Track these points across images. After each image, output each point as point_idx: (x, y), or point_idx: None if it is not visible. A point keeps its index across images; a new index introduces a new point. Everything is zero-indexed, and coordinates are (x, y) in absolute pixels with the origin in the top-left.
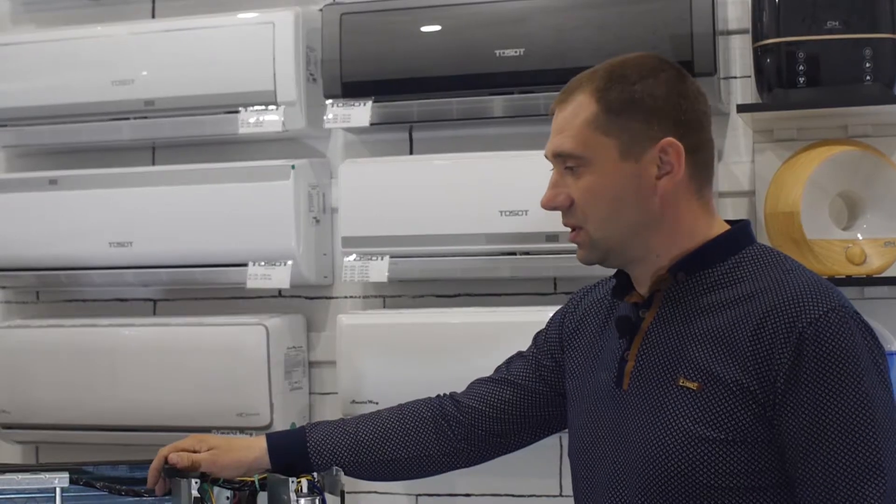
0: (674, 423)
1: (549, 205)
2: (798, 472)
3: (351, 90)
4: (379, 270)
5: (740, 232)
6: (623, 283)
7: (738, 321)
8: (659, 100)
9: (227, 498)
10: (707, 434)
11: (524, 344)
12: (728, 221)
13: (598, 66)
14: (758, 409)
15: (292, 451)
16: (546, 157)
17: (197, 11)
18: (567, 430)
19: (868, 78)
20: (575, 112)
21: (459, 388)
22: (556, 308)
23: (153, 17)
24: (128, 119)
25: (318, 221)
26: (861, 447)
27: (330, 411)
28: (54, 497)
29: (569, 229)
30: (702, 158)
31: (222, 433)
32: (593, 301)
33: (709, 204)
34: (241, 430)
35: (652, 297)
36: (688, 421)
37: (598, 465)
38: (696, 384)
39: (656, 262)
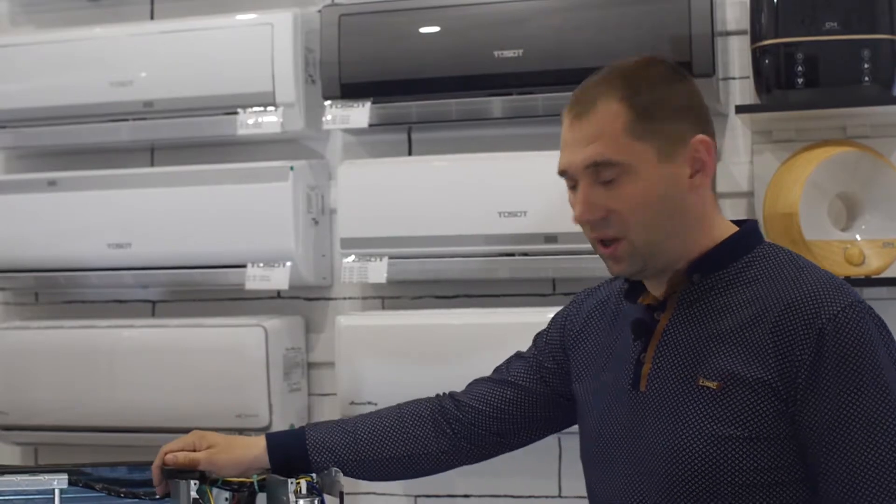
0: (695, 424)
1: (584, 218)
2: (821, 467)
3: (350, 91)
4: (378, 271)
5: (750, 232)
6: (635, 284)
7: (756, 319)
8: (683, 98)
9: (226, 499)
10: (729, 433)
11: (523, 345)
12: (735, 222)
13: (605, 72)
14: (780, 404)
15: (292, 450)
16: (566, 171)
17: (196, 13)
18: (560, 431)
19: (866, 79)
20: (606, 121)
21: (458, 389)
22: (556, 309)
23: (152, 18)
24: (126, 120)
25: (316, 223)
26: (883, 440)
27: (329, 412)
28: (53, 499)
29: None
30: (714, 153)
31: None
32: (597, 302)
33: (716, 200)
34: (241, 431)
35: (666, 298)
36: (709, 421)
37: (614, 467)
38: (715, 383)
39: (678, 265)
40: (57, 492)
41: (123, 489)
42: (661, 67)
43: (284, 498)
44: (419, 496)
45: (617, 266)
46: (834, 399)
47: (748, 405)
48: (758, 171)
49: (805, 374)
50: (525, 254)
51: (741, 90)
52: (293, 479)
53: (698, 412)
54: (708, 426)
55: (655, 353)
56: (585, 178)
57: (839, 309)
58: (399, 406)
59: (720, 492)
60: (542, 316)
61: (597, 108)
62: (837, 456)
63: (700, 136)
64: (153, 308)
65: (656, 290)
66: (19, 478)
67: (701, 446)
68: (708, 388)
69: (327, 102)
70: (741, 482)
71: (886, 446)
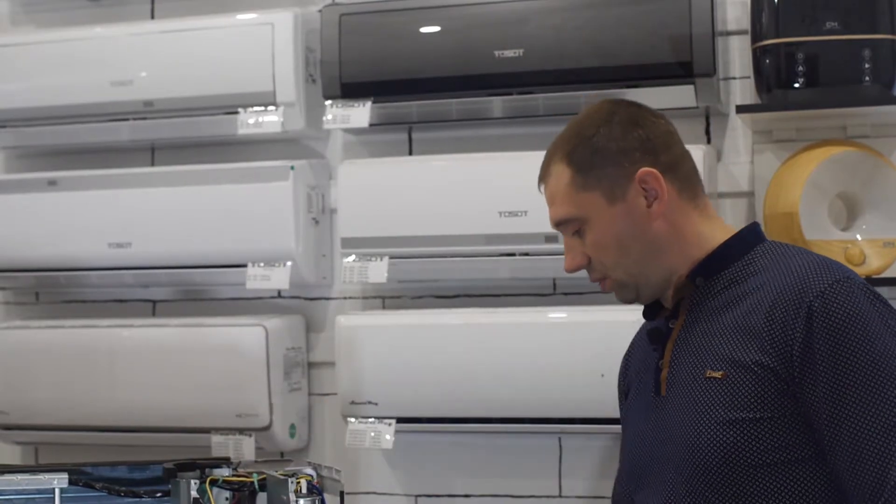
0: (705, 413)
1: (570, 268)
2: (826, 441)
3: (350, 91)
4: (378, 271)
5: (750, 232)
6: (652, 304)
7: (753, 308)
8: (619, 140)
9: (227, 499)
10: (737, 416)
11: (523, 344)
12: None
13: (563, 129)
14: (780, 385)
15: None
16: (553, 228)
17: (196, 12)
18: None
19: (867, 78)
20: (556, 182)
21: (458, 387)
22: (556, 308)
23: (152, 17)
24: (127, 120)
25: (317, 222)
26: (882, 406)
27: (329, 412)
28: (53, 498)
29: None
30: (682, 171)
31: (222, 434)
32: (638, 334)
33: (706, 209)
34: (241, 430)
35: (678, 307)
36: (717, 408)
37: (650, 477)
38: (720, 373)
39: (675, 277)
40: (57, 491)
41: (123, 488)
42: (603, 113)
43: (285, 497)
44: (420, 496)
45: (617, 296)
46: (829, 373)
47: (752, 389)
48: (758, 171)
49: (799, 352)
50: (525, 254)
51: (742, 90)
52: (293, 479)
53: (707, 401)
54: (717, 412)
55: (671, 358)
56: (563, 233)
57: (826, 285)
58: None
59: (736, 474)
60: (542, 316)
61: (549, 171)
62: (839, 428)
63: (643, 170)
64: (153, 308)
65: (667, 301)
66: (20, 477)
67: (712, 432)
68: (714, 378)
69: (328, 102)
70: (754, 462)
71: (886, 412)
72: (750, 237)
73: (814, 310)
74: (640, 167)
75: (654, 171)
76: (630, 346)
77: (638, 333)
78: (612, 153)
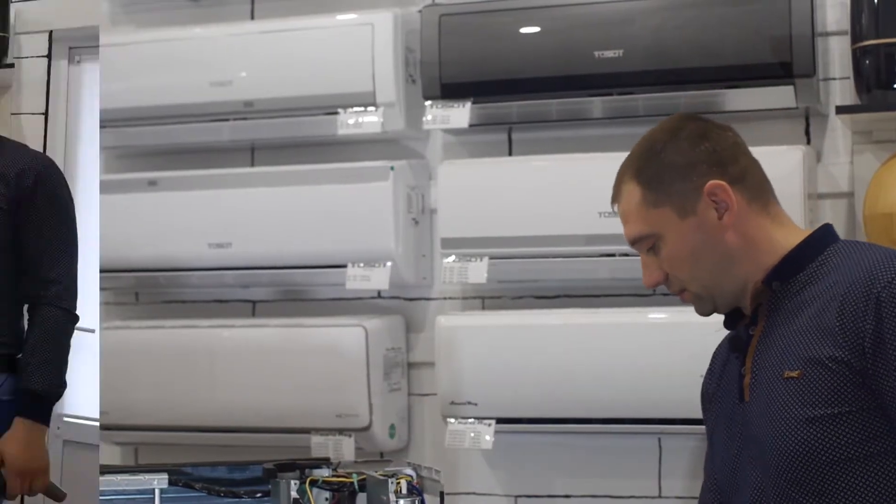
0: (784, 413)
1: (649, 284)
2: None
3: (450, 91)
4: (478, 271)
5: (823, 233)
6: (732, 313)
7: (826, 306)
8: (686, 154)
9: (326, 499)
10: (815, 413)
11: (622, 345)
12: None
13: (633, 147)
14: (856, 377)
15: None
16: (629, 246)
17: (296, 13)
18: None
19: None
20: (628, 201)
21: (557, 387)
22: (656, 309)
23: (252, 18)
24: (227, 120)
25: (416, 223)
26: None
27: (429, 412)
28: (153, 498)
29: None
30: (751, 181)
31: (321, 434)
32: (720, 347)
33: (779, 216)
34: (341, 431)
35: (757, 313)
36: (796, 406)
37: (739, 481)
38: (797, 372)
39: (749, 286)
40: (157, 491)
41: (223, 488)
42: (670, 129)
43: (385, 497)
44: (519, 496)
45: (696, 309)
46: None
47: (828, 385)
48: (858, 172)
49: (870, 343)
50: (625, 254)
51: (841, 90)
52: (393, 479)
53: (786, 401)
54: (796, 411)
55: (753, 364)
56: (638, 250)
57: (893, 275)
58: None
59: (819, 471)
60: (642, 316)
61: (621, 191)
62: None
63: (711, 182)
64: (254, 308)
65: (746, 309)
66: (120, 477)
67: (793, 431)
68: (791, 377)
69: (428, 102)
70: (836, 458)
71: None
72: (823, 238)
73: (882, 300)
74: (708, 180)
75: (722, 183)
76: (712, 359)
77: (719, 346)
78: (680, 168)
